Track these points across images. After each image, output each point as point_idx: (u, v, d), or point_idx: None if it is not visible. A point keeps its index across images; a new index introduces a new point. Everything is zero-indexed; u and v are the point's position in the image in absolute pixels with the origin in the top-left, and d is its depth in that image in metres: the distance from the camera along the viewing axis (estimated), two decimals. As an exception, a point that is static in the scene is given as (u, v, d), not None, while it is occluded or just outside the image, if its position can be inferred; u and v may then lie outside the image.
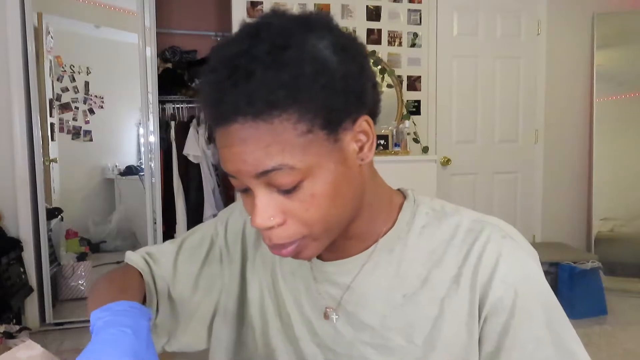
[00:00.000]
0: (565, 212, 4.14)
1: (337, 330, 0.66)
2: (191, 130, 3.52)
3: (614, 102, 4.04)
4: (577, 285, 3.40)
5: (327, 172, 0.55)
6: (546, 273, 3.85)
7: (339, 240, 0.63)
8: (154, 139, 3.44)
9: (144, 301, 0.73)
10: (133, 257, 0.76)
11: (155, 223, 3.44)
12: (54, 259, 3.46)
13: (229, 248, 0.77)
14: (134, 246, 4.22)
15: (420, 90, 3.71)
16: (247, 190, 0.57)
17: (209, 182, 3.57)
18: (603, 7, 3.98)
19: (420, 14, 3.65)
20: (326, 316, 0.66)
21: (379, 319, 0.63)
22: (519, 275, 0.60)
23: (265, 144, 0.52)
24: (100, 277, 0.72)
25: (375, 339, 0.63)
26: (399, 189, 0.70)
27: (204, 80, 0.55)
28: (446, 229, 0.64)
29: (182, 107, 3.64)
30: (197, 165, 3.56)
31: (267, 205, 0.55)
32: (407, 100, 3.66)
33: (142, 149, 3.95)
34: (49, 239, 3.30)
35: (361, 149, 0.58)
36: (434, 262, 0.63)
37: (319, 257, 0.68)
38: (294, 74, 0.51)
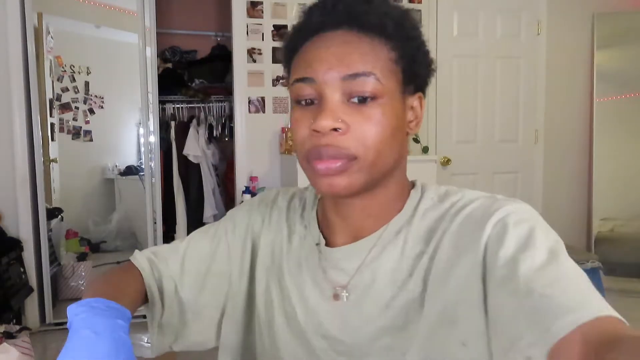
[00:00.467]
0: (565, 212, 4.13)
1: (344, 318, 0.66)
2: (191, 130, 3.53)
3: (615, 102, 4.04)
4: None
5: (395, 106, 0.61)
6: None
7: (358, 219, 0.67)
8: (154, 139, 3.44)
9: (146, 300, 0.73)
10: (137, 257, 0.77)
11: (155, 223, 3.44)
12: (54, 259, 3.46)
13: (237, 245, 0.77)
14: (134, 246, 4.23)
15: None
16: (311, 103, 0.62)
17: (209, 182, 3.58)
18: (603, 7, 3.98)
19: (421, 14, 3.65)
20: (336, 297, 0.67)
21: (386, 300, 0.64)
22: (512, 210, 0.60)
23: (363, 51, 0.59)
24: (99, 275, 0.73)
25: (384, 321, 0.63)
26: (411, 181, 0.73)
27: (312, 3, 0.64)
28: (445, 207, 0.65)
29: (182, 107, 3.65)
30: (197, 165, 3.57)
31: (337, 108, 0.59)
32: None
33: (142, 149, 3.95)
34: (49, 239, 3.30)
35: (410, 122, 0.66)
36: (430, 239, 0.64)
37: (328, 244, 0.70)
38: (402, 16, 0.63)
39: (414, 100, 0.65)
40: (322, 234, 0.71)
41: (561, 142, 4.05)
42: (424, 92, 0.67)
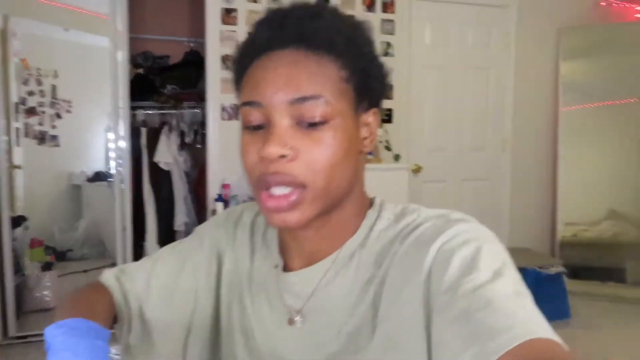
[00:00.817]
0: (531, 218, 4.25)
1: (298, 343, 0.65)
2: (162, 137, 3.47)
3: (579, 112, 4.18)
4: (542, 290, 3.48)
5: (347, 126, 0.59)
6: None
7: (312, 242, 0.65)
8: (124, 144, 3.37)
9: (115, 320, 0.72)
10: (106, 275, 0.75)
11: (125, 230, 3.36)
12: (17, 269, 3.34)
13: (202, 262, 0.76)
14: (102, 254, 4.13)
15: (392, 99, 3.75)
16: (259, 128, 0.59)
17: (180, 190, 3.52)
18: (568, 22, 4.12)
19: (394, 24, 3.69)
20: (291, 322, 0.66)
21: (338, 326, 0.62)
22: (459, 231, 0.58)
23: (312, 71, 0.57)
24: (68, 295, 0.71)
25: (337, 346, 0.62)
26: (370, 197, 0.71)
27: (269, 8, 0.61)
28: (399, 227, 0.63)
29: (153, 114, 3.57)
30: (168, 173, 3.51)
31: (286, 134, 0.57)
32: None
33: (111, 155, 3.86)
34: (13, 249, 3.19)
35: (364, 139, 0.64)
36: (381, 263, 0.62)
37: (286, 266, 0.69)
38: (353, 31, 0.61)
39: (368, 117, 0.63)
40: (282, 256, 0.70)
41: (528, 149, 4.16)
42: (379, 107, 0.65)
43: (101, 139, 4.21)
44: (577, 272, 3.98)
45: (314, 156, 0.57)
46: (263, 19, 0.62)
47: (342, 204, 0.63)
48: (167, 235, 3.53)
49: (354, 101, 0.60)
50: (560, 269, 3.59)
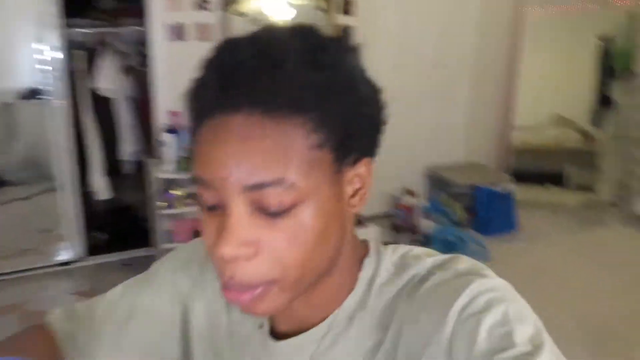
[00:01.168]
0: (487, 131, 4.32)
1: None
2: (101, 60, 3.12)
3: (543, 19, 4.13)
4: (493, 206, 3.72)
5: (323, 202, 0.47)
6: (465, 195, 4.01)
7: (301, 309, 0.56)
8: (57, 56, 3.00)
9: None
10: (51, 316, 0.67)
11: (66, 151, 3.11)
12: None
13: (161, 308, 0.66)
14: (44, 177, 3.88)
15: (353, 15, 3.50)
16: (214, 209, 0.47)
17: (124, 117, 3.26)
18: None
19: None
20: None
21: None
22: (478, 292, 0.50)
23: (268, 149, 0.44)
24: (5, 338, 0.63)
25: None
26: (361, 240, 0.61)
27: (211, 56, 0.47)
28: (402, 281, 0.56)
29: (88, 32, 3.17)
30: (111, 99, 3.21)
31: (243, 229, 0.45)
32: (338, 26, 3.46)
33: (44, 69, 3.45)
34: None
35: (354, 194, 0.51)
36: (387, 325, 0.55)
37: (272, 332, 0.60)
38: (327, 79, 0.45)
39: (358, 169, 0.51)
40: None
41: (490, 62, 4.12)
42: (373, 155, 0.53)
43: (31, 52, 3.74)
44: (520, 177, 4.15)
45: (280, 250, 0.46)
46: (212, 60, 0.47)
47: (328, 274, 0.53)
48: (113, 166, 3.33)
49: (333, 165, 0.48)
50: (511, 186, 3.83)
